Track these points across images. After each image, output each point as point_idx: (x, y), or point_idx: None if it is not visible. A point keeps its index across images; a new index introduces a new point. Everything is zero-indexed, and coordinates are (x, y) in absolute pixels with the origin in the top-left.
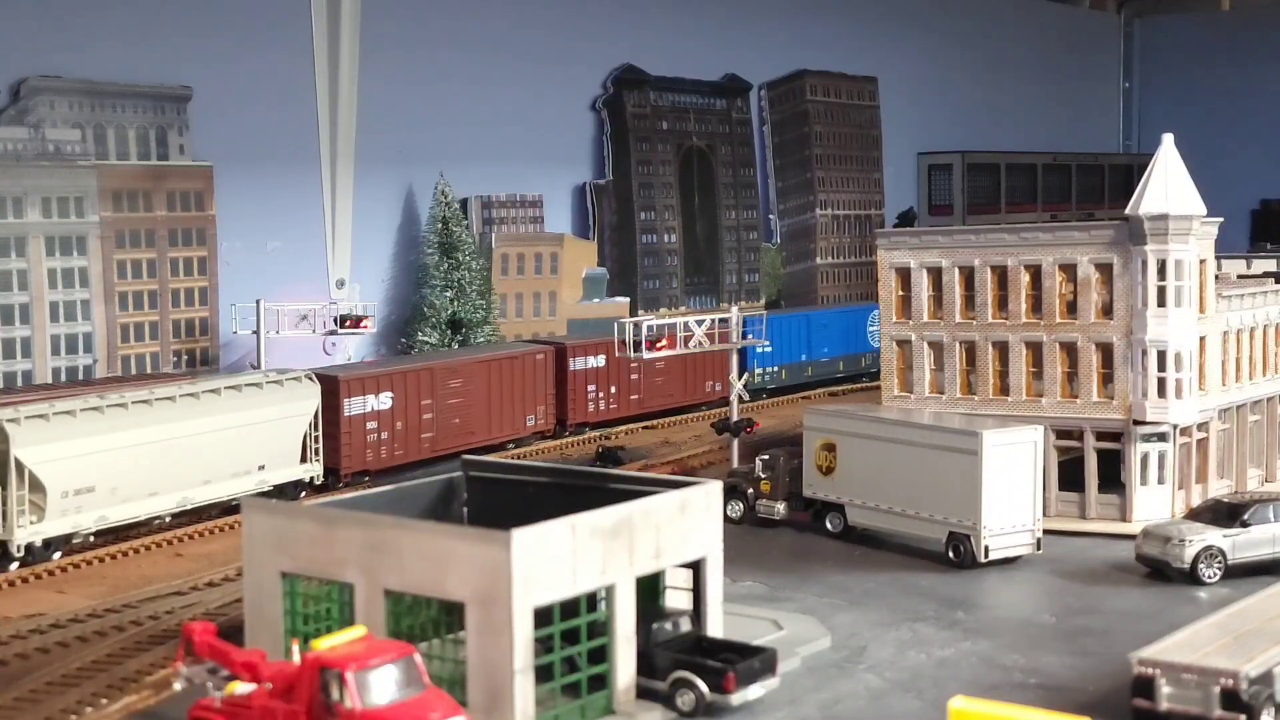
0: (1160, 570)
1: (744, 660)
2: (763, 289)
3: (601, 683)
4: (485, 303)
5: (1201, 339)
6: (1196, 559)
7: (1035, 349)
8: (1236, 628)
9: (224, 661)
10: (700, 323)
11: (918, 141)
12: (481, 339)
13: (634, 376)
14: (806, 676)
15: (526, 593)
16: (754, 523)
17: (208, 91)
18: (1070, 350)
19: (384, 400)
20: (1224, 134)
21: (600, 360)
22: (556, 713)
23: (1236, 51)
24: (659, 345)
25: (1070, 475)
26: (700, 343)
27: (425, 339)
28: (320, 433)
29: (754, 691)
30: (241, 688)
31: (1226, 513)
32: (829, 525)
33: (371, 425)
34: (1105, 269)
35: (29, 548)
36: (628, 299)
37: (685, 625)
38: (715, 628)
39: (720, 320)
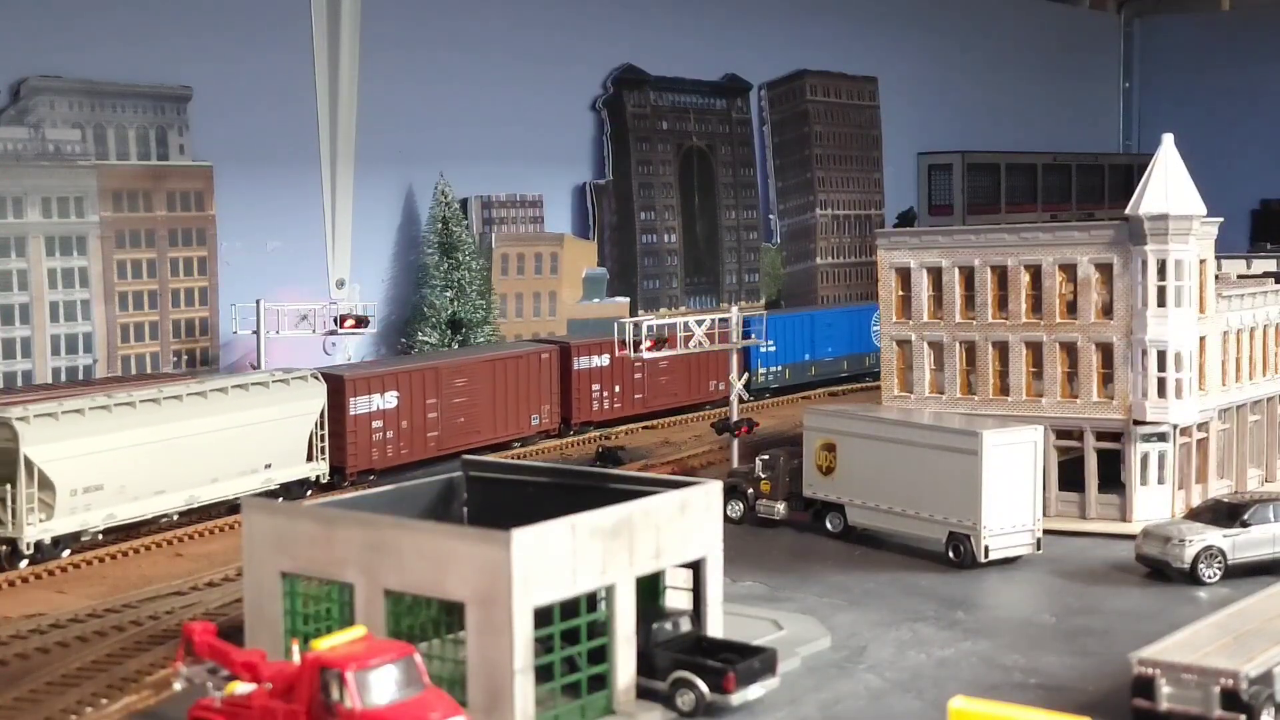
0: (1160, 570)
1: (744, 660)
2: (763, 289)
3: (601, 683)
4: (485, 303)
5: (1201, 339)
6: (1196, 559)
7: (1035, 349)
8: (1236, 628)
9: (224, 661)
10: (700, 323)
11: (918, 141)
12: (481, 339)
13: (638, 376)
14: (806, 676)
15: (526, 593)
16: (754, 523)
17: (208, 91)
18: (1070, 350)
19: (389, 400)
20: (1224, 134)
21: (604, 360)
22: (556, 713)
23: (1236, 51)
24: (654, 344)
25: (1070, 475)
26: (700, 343)
27: (425, 339)
28: (326, 432)
29: (754, 691)
30: (241, 688)
31: (1226, 513)
32: (829, 525)
33: (377, 424)
34: (1105, 269)
35: (38, 545)
36: (628, 299)
37: (685, 625)
38: (715, 628)
39: (720, 320)
